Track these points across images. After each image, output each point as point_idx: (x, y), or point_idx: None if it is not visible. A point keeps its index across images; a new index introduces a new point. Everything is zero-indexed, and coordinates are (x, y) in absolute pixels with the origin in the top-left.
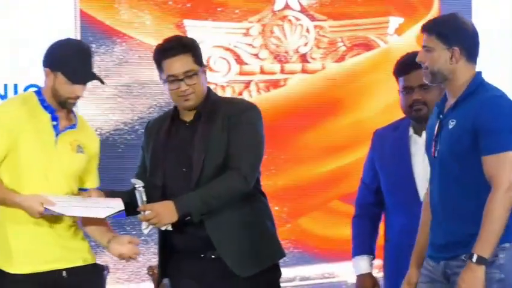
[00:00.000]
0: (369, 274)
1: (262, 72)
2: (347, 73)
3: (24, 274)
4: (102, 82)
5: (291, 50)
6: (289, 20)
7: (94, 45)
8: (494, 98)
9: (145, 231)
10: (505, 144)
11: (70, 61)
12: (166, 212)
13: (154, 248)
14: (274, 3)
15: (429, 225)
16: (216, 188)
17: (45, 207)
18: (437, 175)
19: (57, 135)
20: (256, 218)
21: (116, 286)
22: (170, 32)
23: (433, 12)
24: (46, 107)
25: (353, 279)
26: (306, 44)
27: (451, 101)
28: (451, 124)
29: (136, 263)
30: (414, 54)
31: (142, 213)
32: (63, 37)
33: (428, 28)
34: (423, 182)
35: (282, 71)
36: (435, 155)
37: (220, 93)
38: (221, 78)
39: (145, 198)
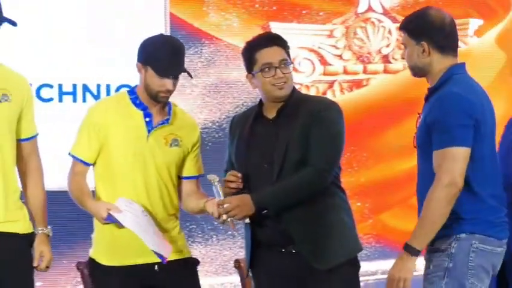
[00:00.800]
0: None
1: (346, 72)
2: None
3: (116, 266)
4: (190, 76)
5: (373, 51)
6: (372, 22)
7: None
8: (447, 95)
9: (231, 225)
10: (448, 140)
11: (159, 55)
12: (243, 205)
13: (240, 242)
14: (358, 5)
15: None
16: (292, 183)
17: (109, 214)
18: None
19: (149, 131)
20: (333, 212)
21: (204, 279)
22: (257, 34)
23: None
24: (138, 105)
25: None
26: (388, 45)
27: None
28: (420, 119)
29: (223, 257)
30: None
31: (221, 207)
32: None
33: (401, 26)
34: None
35: (365, 72)
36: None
37: (304, 93)
38: (305, 79)
39: (221, 193)
